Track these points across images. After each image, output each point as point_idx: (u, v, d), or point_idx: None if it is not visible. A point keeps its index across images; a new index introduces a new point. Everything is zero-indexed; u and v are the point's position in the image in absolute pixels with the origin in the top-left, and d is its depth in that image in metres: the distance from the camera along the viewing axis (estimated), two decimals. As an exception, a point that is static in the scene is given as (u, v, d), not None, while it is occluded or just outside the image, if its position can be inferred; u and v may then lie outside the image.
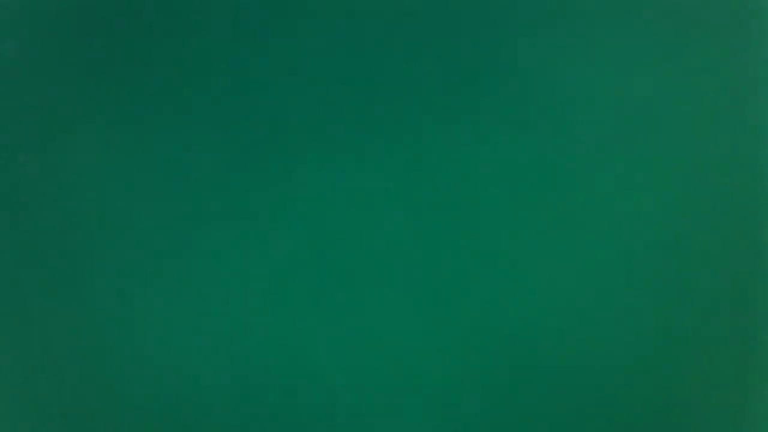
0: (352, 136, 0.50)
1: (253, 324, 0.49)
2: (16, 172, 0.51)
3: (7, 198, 0.51)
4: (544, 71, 0.50)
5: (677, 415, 0.50)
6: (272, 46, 0.50)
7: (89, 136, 0.51)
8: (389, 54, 0.50)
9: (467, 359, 0.49)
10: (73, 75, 0.51)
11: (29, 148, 0.51)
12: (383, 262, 0.49)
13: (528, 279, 0.49)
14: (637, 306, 0.50)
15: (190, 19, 0.50)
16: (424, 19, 0.50)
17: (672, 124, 0.50)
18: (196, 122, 0.50)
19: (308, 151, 0.50)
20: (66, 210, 0.50)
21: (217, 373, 0.49)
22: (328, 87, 0.50)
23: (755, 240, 0.51)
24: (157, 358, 0.50)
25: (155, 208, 0.50)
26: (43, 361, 0.50)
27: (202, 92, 0.50)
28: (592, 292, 0.50)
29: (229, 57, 0.50)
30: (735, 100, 0.51)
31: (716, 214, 0.50)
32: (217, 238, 0.50)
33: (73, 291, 0.50)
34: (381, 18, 0.50)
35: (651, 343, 0.50)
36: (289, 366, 0.49)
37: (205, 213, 0.50)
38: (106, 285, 0.50)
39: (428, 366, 0.49)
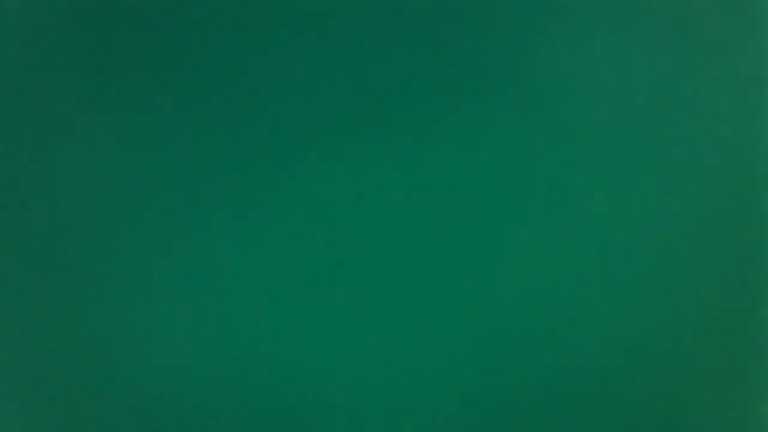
0: (354, 135, 0.50)
1: (253, 322, 0.49)
2: (16, 172, 0.51)
3: (7, 197, 0.51)
4: (546, 70, 0.50)
5: (677, 415, 0.50)
6: (274, 45, 0.50)
7: (89, 136, 0.51)
8: (392, 52, 0.50)
9: (470, 359, 0.49)
10: (73, 74, 0.51)
11: (29, 147, 0.51)
12: (384, 261, 0.49)
13: (529, 278, 0.49)
14: (638, 305, 0.50)
15: (191, 17, 0.50)
16: (426, 18, 0.50)
17: (674, 124, 0.50)
18: (196, 121, 0.50)
19: (310, 149, 0.50)
20: (66, 208, 0.50)
21: (217, 371, 0.50)
22: (329, 85, 0.50)
23: (756, 239, 0.51)
24: (158, 356, 0.50)
25: (155, 207, 0.50)
26: (41, 360, 0.50)
27: (203, 91, 0.50)
28: (594, 291, 0.50)
29: (229, 55, 0.50)
30: (737, 100, 0.51)
31: (717, 213, 0.50)
32: (217, 236, 0.50)
33: (72, 290, 0.50)
34: (383, 17, 0.50)
35: (652, 344, 0.50)
36: (289, 364, 0.49)
37: (206, 211, 0.50)
38: (106, 284, 0.50)
39: (430, 365, 0.49)
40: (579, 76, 0.50)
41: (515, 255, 0.49)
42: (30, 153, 0.51)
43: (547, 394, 0.49)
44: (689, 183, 0.50)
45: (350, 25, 0.50)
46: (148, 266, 0.50)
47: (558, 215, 0.49)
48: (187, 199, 0.50)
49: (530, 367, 0.49)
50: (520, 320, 0.49)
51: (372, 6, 0.50)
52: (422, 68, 0.50)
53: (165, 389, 0.50)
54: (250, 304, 0.50)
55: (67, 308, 0.50)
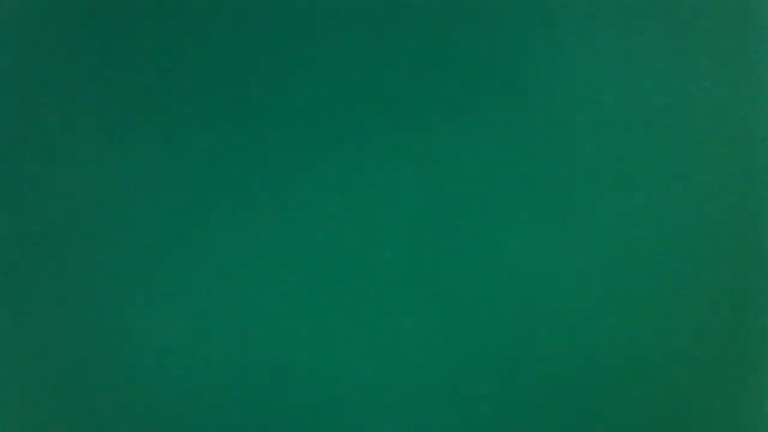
0: (356, 134, 0.50)
1: (255, 322, 0.49)
2: (16, 171, 0.51)
3: (7, 197, 0.51)
4: (548, 71, 0.50)
5: (678, 415, 0.50)
6: (276, 44, 0.50)
7: (89, 135, 0.51)
8: (395, 52, 0.50)
9: (472, 359, 0.49)
10: (74, 74, 0.51)
11: (29, 147, 0.51)
12: (387, 260, 0.49)
13: (529, 279, 0.49)
14: (637, 306, 0.50)
15: (191, 17, 0.50)
16: (428, 18, 0.50)
17: (673, 124, 0.50)
18: (196, 120, 0.50)
19: (312, 149, 0.50)
20: (66, 208, 0.50)
21: (219, 371, 0.49)
22: (331, 85, 0.50)
23: (756, 240, 0.51)
24: (158, 355, 0.50)
25: (155, 207, 0.50)
26: (42, 360, 0.50)
27: (204, 90, 0.50)
28: (596, 291, 0.50)
29: (230, 55, 0.50)
30: (738, 100, 0.51)
31: (718, 212, 0.50)
32: (218, 236, 0.50)
33: (72, 290, 0.50)
34: (385, 16, 0.50)
35: (653, 344, 0.50)
36: (291, 363, 0.49)
37: (206, 211, 0.50)
38: (107, 283, 0.50)
39: (433, 365, 0.49)
40: (581, 77, 0.50)
41: (518, 255, 0.49)
42: (30, 153, 0.51)
43: (551, 395, 0.49)
44: (690, 182, 0.50)
45: (351, 25, 0.50)
46: (149, 265, 0.50)
47: (559, 214, 0.49)
48: (188, 198, 0.50)
49: (534, 368, 0.49)
50: (523, 320, 0.49)
51: (374, 6, 0.50)
52: (425, 68, 0.50)
53: (166, 389, 0.50)
54: (251, 303, 0.49)
55: (66, 308, 0.50)
